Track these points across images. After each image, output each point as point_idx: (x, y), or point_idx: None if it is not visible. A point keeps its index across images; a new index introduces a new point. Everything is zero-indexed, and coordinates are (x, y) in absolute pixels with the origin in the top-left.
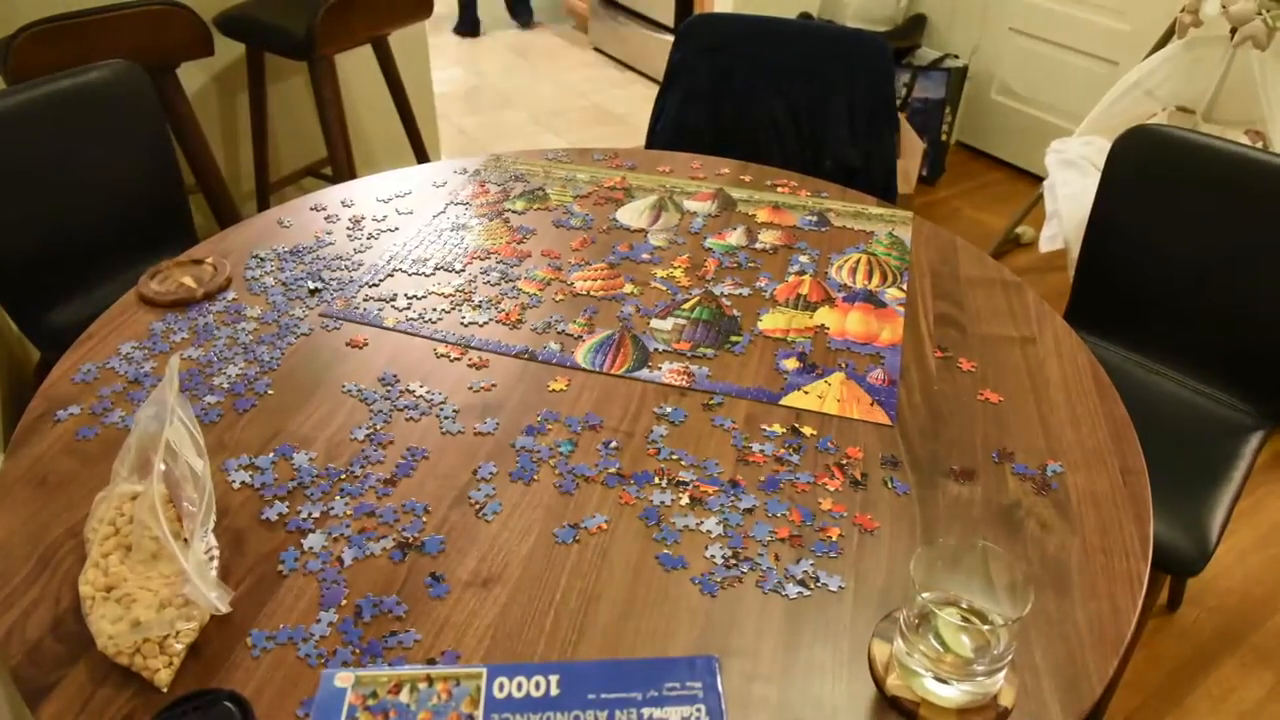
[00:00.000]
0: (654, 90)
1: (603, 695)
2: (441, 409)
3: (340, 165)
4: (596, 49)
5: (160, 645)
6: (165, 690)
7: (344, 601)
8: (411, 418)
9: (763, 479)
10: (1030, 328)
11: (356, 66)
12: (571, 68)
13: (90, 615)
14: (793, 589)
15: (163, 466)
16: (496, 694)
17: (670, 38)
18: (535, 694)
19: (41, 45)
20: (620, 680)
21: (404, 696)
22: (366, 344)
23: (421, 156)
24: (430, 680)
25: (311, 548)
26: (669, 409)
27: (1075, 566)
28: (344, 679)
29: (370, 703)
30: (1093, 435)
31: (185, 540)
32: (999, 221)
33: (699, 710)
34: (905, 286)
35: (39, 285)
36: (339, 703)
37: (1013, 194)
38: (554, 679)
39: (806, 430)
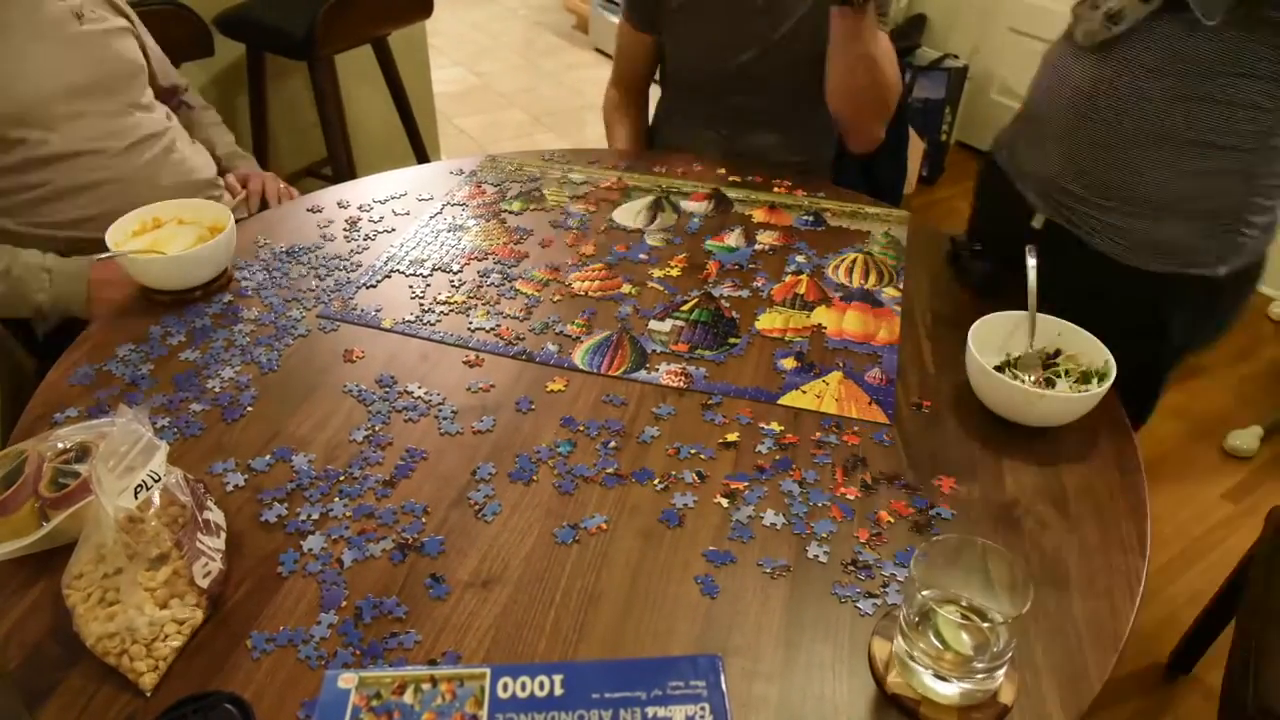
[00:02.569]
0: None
1: (606, 695)
2: (440, 410)
3: (340, 165)
4: (597, 49)
5: (148, 648)
6: (149, 694)
7: (344, 603)
8: (410, 419)
9: (762, 479)
10: None
11: (357, 66)
12: (571, 68)
13: (77, 615)
14: (791, 587)
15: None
16: (500, 694)
17: None
18: (539, 694)
19: None
20: (624, 679)
21: (408, 697)
22: (362, 356)
23: (421, 156)
24: (434, 681)
25: (311, 549)
26: (667, 409)
27: (1073, 564)
28: (347, 680)
29: (374, 704)
30: (1089, 432)
31: (176, 546)
32: None
33: (703, 709)
34: (902, 285)
35: None
36: (343, 704)
37: None
38: (558, 679)
39: (805, 430)
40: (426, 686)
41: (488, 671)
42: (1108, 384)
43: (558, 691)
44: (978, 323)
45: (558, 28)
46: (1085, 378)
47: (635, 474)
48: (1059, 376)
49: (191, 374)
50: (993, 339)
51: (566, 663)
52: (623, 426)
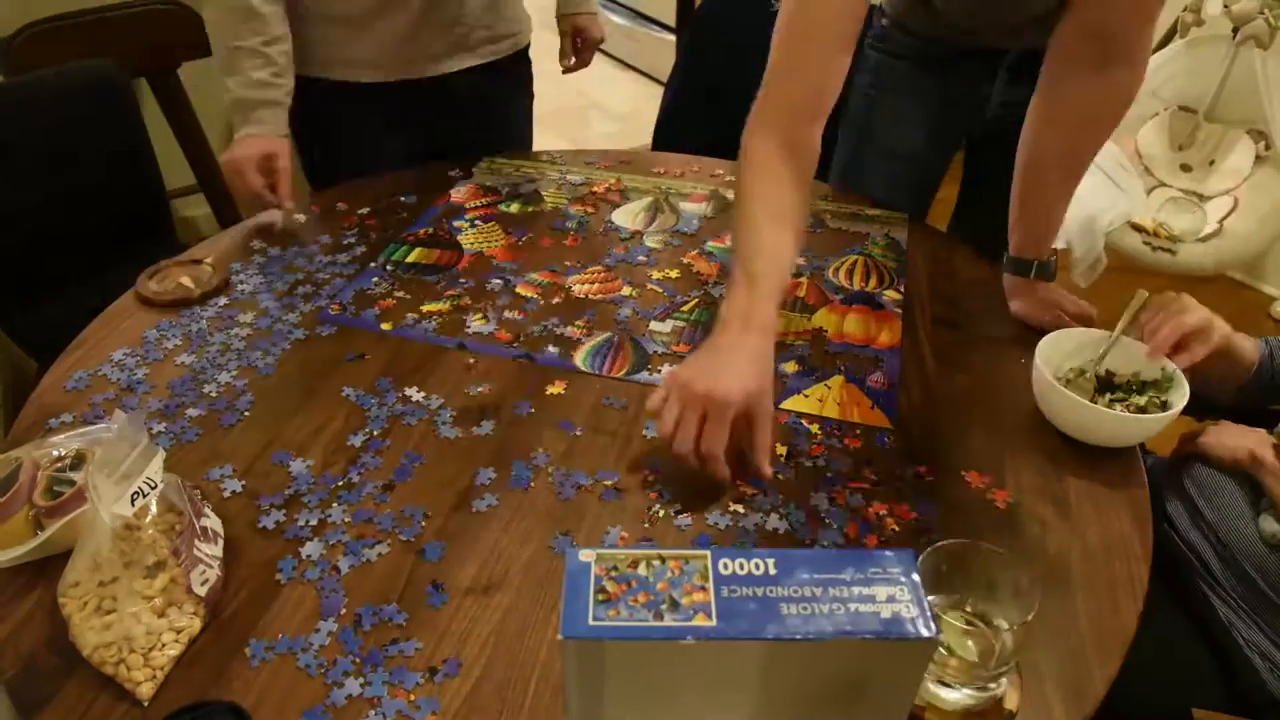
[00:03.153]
0: (655, 89)
1: (815, 575)
2: (439, 414)
3: None
4: (598, 49)
5: (145, 657)
6: (146, 704)
7: (343, 610)
8: (408, 423)
9: (764, 484)
10: (1026, 327)
11: None
12: None
13: (73, 624)
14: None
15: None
16: (722, 570)
17: (671, 36)
18: (755, 572)
19: (43, 43)
20: (828, 565)
21: (641, 570)
22: (362, 358)
23: None
24: (662, 559)
25: (309, 556)
26: None
27: (1076, 567)
28: (588, 555)
29: (614, 573)
30: None
31: (174, 554)
32: None
33: (901, 589)
34: (902, 288)
35: (15, 285)
36: (586, 574)
37: None
38: (770, 561)
39: (807, 433)
40: (656, 563)
41: (708, 553)
42: (1181, 403)
43: (771, 571)
44: (1045, 340)
45: (558, 27)
46: (1141, 388)
47: (635, 477)
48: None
49: (188, 379)
50: (1054, 354)
51: (774, 550)
52: (623, 430)
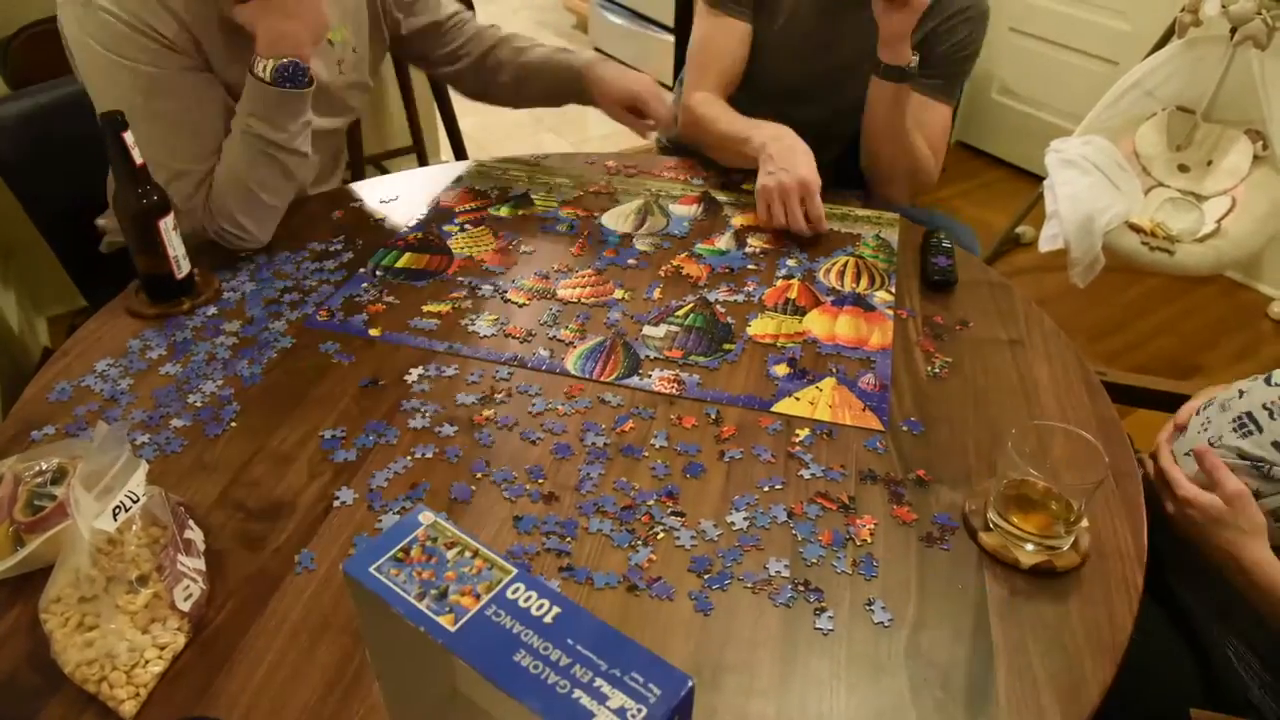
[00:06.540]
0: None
1: (577, 645)
2: (428, 419)
3: (357, 166)
4: (597, 49)
5: (128, 674)
6: None
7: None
8: (397, 432)
9: (755, 488)
10: (1018, 329)
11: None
12: None
13: (55, 641)
14: (787, 600)
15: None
16: (508, 594)
17: (671, 37)
18: (534, 611)
19: (41, 46)
20: (602, 645)
21: (450, 554)
22: (350, 363)
23: (421, 158)
24: (475, 554)
25: (298, 569)
26: (659, 417)
27: (1070, 573)
28: (427, 517)
29: (429, 544)
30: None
31: (159, 569)
32: (1000, 221)
33: (639, 710)
34: (893, 289)
35: None
36: (409, 530)
37: (1013, 193)
38: (555, 611)
39: (799, 436)
40: (466, 555)
41: (513, 571)
42: None
43: (547, 619)
44: None
45: (558, 27)
46: None
47: (625, 484)
48: None
49: (172, 389)
50: None
51: (577, 605)
52: (614, 436)
